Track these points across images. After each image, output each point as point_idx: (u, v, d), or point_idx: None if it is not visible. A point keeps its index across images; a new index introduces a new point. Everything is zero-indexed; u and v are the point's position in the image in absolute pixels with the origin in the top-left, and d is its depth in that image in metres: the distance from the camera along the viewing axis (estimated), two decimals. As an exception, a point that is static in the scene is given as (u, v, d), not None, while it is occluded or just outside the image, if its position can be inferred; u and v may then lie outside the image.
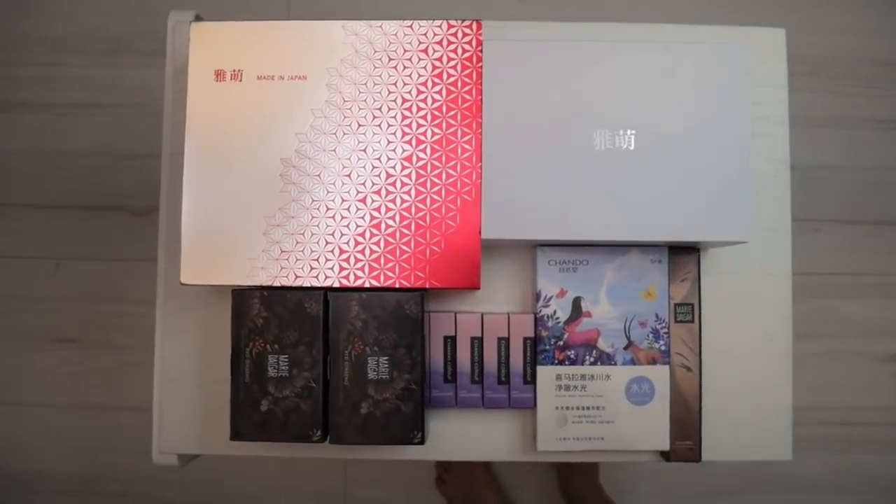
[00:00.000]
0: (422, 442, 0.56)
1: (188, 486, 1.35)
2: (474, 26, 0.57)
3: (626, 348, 0.61)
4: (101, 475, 1.37)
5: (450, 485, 1.30)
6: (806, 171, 1.37)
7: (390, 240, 0.56)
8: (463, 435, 0.63)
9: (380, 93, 0.56)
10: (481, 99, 0.56)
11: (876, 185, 1.39)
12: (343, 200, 0.56)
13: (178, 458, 0.64)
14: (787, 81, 0.65)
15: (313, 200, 0.56)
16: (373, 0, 1.44)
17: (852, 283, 1.38)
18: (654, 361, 0.61)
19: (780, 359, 0.64)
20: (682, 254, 0.62)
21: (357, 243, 0.56)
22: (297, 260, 0.56)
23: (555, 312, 0.61)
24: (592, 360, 0.61)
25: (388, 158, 0.56)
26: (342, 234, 0.56)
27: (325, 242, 0.56)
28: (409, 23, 0.57)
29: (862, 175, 1.39)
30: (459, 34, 0.57)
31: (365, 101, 0.57)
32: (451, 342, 0.61)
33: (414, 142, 0.56)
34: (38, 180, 1.39)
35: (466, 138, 0.56)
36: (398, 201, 0.56)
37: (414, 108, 0.56)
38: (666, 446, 0.61)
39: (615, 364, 0.61)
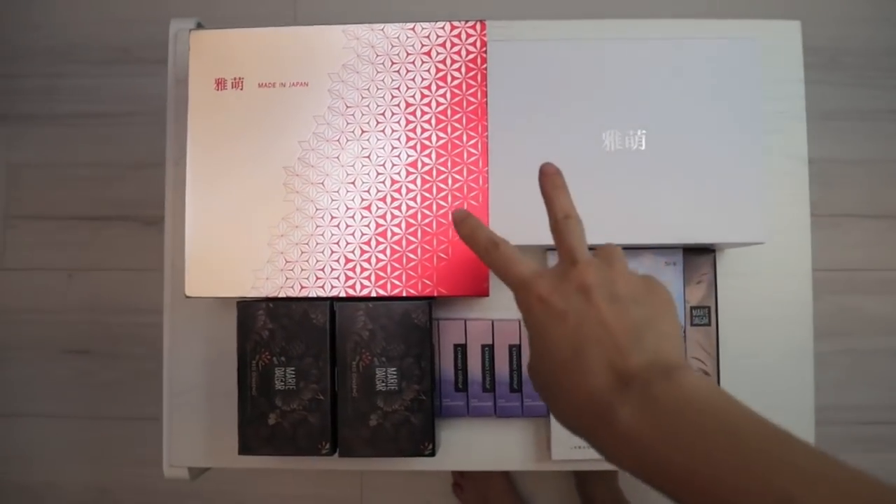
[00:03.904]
0: (432, 454, 0.55)
1: (204, 496, 1.35)
2: (478, 27, 0.55)
3: (641, 354, 0.59)
4: (116, 486, 1.37)
5: (467, 491, 1.28)
6: (824, 165, 1.35)
7: (396, 248, 0.55)
8: (475, 444, 0.62)
9: (383, 97, 0.55)
10: (486, 101, 0.55)
11: (896, 178, 1.36)
12: (348, 208, 0.55)
13: (188, 472, 0.63)
14: (804, 75, 0.63)
15: (317, 209, 0.55)
16: (381, 3, 1.43)
17: (874, 279, 1.35)
18: (670, 367, 0.59)
19: (802, 361, 0.62)
20: (697, 255, 0.60)
21: (363, 252, 0.55)
22: (303, 270, 0.55)
23: (567, 318, 0.59)
24: (607, 366, 0.59)
25: (393, 164, 0.55)
26: (347, 243, 0.55)
27: (330, 252, 0.55)
28: (411, 25, 0.55)
29: (882, 168, 1.36)
30: (463, 35, 0.55)
31: (368, 106, 0.55)
32: (461, 350, 0.60)
33: (419, 147, 0.55)
34: (48, 192, 1.40)
35: (472, 142, 0.55)
36: (404, 208, 0.55)
37: (418, 113, 0.55)
38: (684, 454, 0.59)
39: (630, 370, 0.59)
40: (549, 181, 0.43)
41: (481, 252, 0.42)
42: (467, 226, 0.43)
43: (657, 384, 0.33)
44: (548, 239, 0.56)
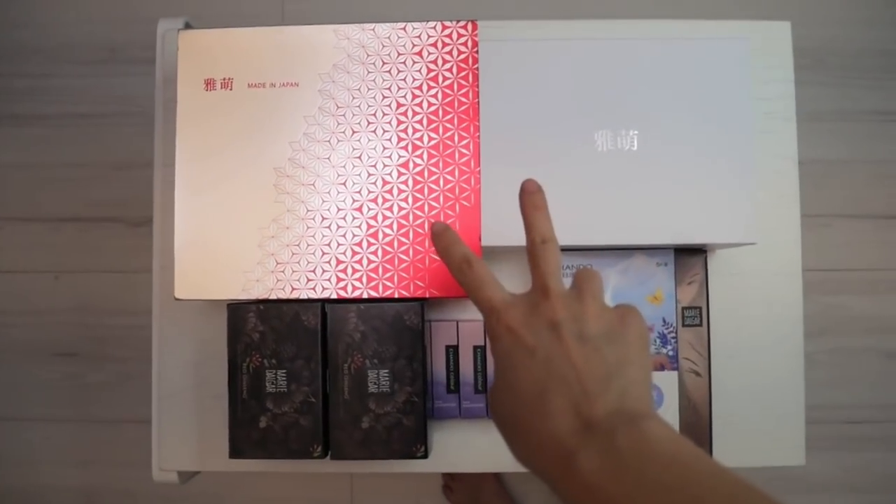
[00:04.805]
0: (425, 456, 0.54)
1: (193, 498, 1.34)
2: (469, 27, 0.55)
3: (633, 354, 0.59)
4: (105, 489, 1.36)
5: (457, 492, 1.28)
6: (814, 165, 1.35)
7: (388, 249, 0.54)
8: (468, 446, 0.61)
9: (374, 98, 0.55)
10: (478, 101, 0.55)
11: (885, 178, 1.37)
12: (339, 209, 0.55)
13: (178, 476, 0.63)
14: (794, 76, 0.63)
15: (308, 210, 0.55)
16: (368, 3, 1.42)
17: (863, 278, 1.35)
18: (662, 367, 0.59)
19: (792, 361, 0.62)
20: (689, 256, 0.60)
21: (354, 253, 0.55)
22: (294, 272, 0.55)
23: (559, 319, 0.59)
24: (599, 367, 0.59)
25: (384, 165, 0.55)
26: (339, 244, 0.55)
27: (321, 253, 0.55)
28: (402, 25, 0.55)
29: (871, 168, 1.37)
30: (454, 35, 0.55)
31: (359, 106, 0.55)
32: (453, 352, 0.59)
33: (410, 147, 0.55)
34: (35, 193, 1.38)
35: (464, 142, 0.55)
36: (395, 209, 0.55)
37: (409, 113, 0.55)
38: (677, 454, 0.59)
39: (622, 371, 0.59)
40: (530, 200, 0.42)
41: (454, 269, 0.41)
42: (444, 240, 0.42)
43: (622, 434, 0.32)
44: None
